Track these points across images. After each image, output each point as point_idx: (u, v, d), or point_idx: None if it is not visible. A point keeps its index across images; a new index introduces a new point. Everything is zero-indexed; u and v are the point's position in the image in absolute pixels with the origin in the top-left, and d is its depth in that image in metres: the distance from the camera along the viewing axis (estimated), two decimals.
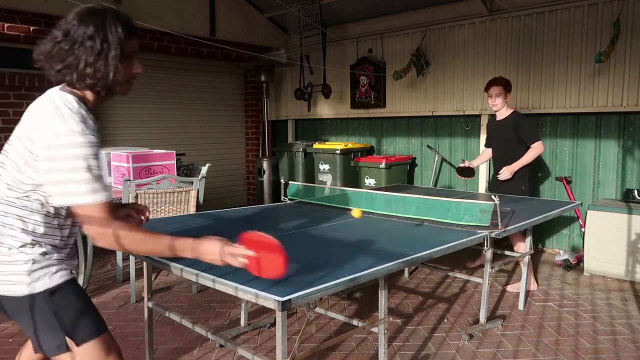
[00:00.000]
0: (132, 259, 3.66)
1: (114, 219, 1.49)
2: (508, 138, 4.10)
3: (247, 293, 1.62)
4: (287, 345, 1.70)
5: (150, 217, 2.03)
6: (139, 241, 1.53)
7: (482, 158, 4.60)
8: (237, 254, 1.58)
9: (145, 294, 2.57)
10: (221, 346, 2.96)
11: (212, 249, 1.56)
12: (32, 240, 1.50)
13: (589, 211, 4.36)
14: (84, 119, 1.44)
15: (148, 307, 2.59)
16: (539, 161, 5.18)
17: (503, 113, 4.16)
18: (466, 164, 4.57)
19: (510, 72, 5.15)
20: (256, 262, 1.61)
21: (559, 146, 5.04)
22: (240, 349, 2.11)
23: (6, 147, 1.53)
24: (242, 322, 3.23)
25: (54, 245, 1.55)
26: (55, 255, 1.54)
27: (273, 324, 3.27)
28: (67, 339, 1.50)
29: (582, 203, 4.32)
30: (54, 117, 1.41)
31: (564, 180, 4.86)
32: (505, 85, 4.10)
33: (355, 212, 2.71)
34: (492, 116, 4.39)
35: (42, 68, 1.51)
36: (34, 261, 1.48)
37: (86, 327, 1.53)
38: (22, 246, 1.48)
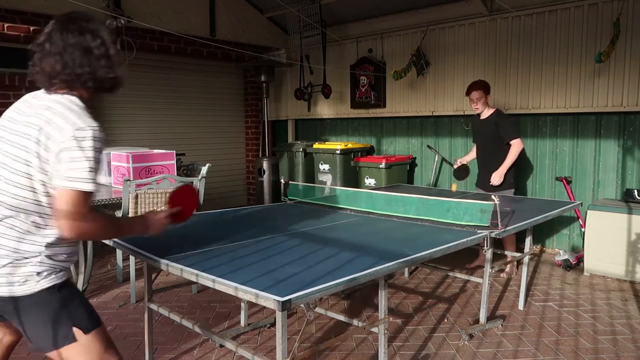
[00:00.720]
0: (132, 259, 3.66)
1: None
2: (490, 136, 4.34)
3: (247, 293, 1.62)
4: (287, 345, 1.70)
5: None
6: (109, 230, 1.72)
7: (472, 154, 4.73)
8: (171, 214, 1.93)
9: (145, 294, 2.57)
10: (221, 346, 2.96)
11: (157, 223, 1.87)
12: (44, 242, 1.55)
13: (589, 211, 4.36)
14: (92, 116, 1.55)
15: (148, 307, 2.59)
16: (539, 161, 5.19)
17: (486, 113, 4.39)
18: (458, 162, 4.75)
19: (510, 72, 5.16)
20: (182, 211, 2.04)
21: (559, 146, 5.04)
22: (240, 349, 2.11)
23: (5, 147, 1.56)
24: (242, 322, 3.23)
25: (62, 247, 1.61)
26: (62, 257, 1.61)
27: (273, 324, 3.27)
28: (75, 329, 1.57)
29: (582, 203, 4.32)
30: (71, 115, 1.51)
31: (564, 180, 4.86)
32: (484, 89, 4.34)
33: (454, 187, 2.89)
34: (477, 115, 4.50)
35: (39, 72, 1.58)
36: (42, 263, 1.54)
37: (90, 318, 1.63)
38: (31, 248, 1.54)
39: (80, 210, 1.50)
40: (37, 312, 1.55)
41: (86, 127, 1.50)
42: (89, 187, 1.50)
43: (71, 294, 1.63)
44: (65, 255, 1.62)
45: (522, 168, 5.26)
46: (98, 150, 1.52)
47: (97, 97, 1.67)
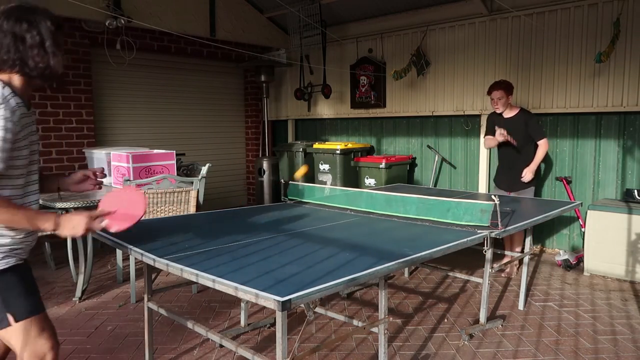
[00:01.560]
0: (132, 259, 3.66)
1: None
2: (519, 135, 4.24)
3: (247, 293, 1.62)
4: (287, 345, 1.70)
5: (150, 217, 2.06)
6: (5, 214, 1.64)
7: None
8: (96, 216, 1.77)
9: (145, 294, 2.57)
10: (221, 346, 2.96)
11: (72, 221, 1.72)
12: None
13: (589, 211, 4.36)
14: (4, 98, 1.60)
15: (148, 307, 2.59)
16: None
17: (509, 112, 4.35)
18: (508, 137, 4.22)
19: (510, 72, 5.15)
20: (119, 215, 1.85)
21: (559, 146, 5.04)
22: (240, 349, 2.11)
23: None
24: (242, 322, 3.23)
25: (11, 236, 1.70)
26: (9, 247, 1.70)
27: (273, 324, 3.27)
28: (9, 314, 1.68)
29: (582, 203, 4.32)
30: None
31: (564, 180, 4.86)
32: (506, 89, 4.28)
33: (300, 172, 2.74)
34: (498, 114, 4.45)
35: None
36: None
37: (26, 305, 1.72)
38: None
39: None
40: None
41: None
42: None
43: (13, 282, 1.70)
44: (9, 239, 1.69)
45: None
46: (8, 130, 1.56)
47: (29, 84, 1.72)
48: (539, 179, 4.45)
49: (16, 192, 1.71)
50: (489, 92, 4.36)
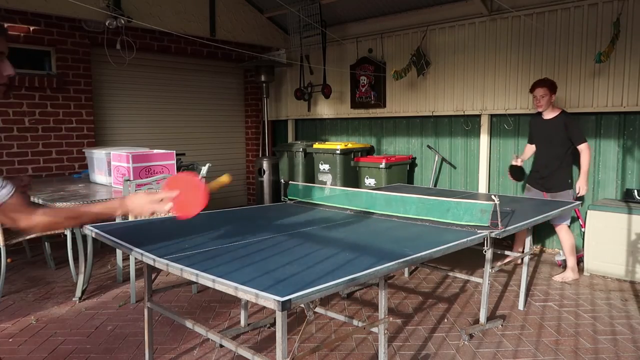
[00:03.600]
0: (132, 259, 3.66)
1: None
2: (558, 138, 4.25)
3: (247, 293, 1.62)
4: (287, 345, 1.70)
5: (150, 217, 2.08)
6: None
7: (527, 154, 4.64)
8: (160, 199, 1.77)
9: (145, 294, 2.57)
10: (221, 346, 2.96)
11: (138, 201, 1.75)
12: None
13: (589, 211, 4.36)
14: None
15: (148, 307, 2.59)
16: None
17: (550, 113, 4.32)
18: (518, 161, 4.50)
19: (510, 72, 5.16)
20: (181, 201, 1.84)
21: None
22: (240, 349, 2.11)
23: None
24: (242, 322, 3.23)
25: None
26: None
27: (273, 324, 3.27)
28: None
29: (582, 203, 4.32)
30: None
31: None
32: (550, 87, 4.25)
33: (224, 178, 2.65)
34: (536, 114, 4.46)
35: None
36: None
37: None
38: None
39: None
40: None
41: None
42: None
43: None
44: None
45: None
46: None
47: None
48: (571, 176, 4.34)
49: None
50: (532, 90, 4.30)
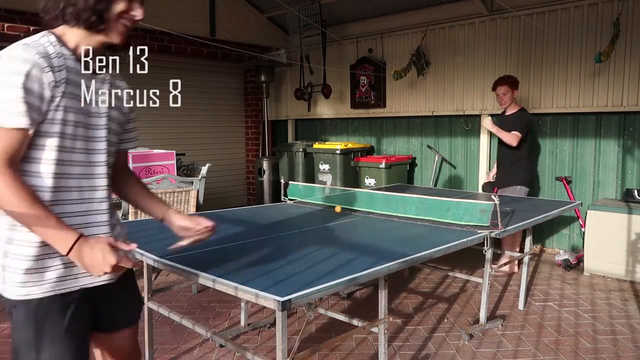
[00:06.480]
0: None
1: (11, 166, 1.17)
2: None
3: (247, 293, 1.62)
4: (287, 345, 1.70)
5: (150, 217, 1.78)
6: (18, 202, 1.16)
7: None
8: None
9: (145, 294, 2.57)
10: (221, 346, 2.95)
11: (93, 251, 1.20)
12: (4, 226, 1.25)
13: (589, 211, 4.36)
14: (43, 50, 1.22)
15: (148, 307, 2.59)
16: (539, 161, 5.18)
17: (511, 109, 4.38)
18: (490, 177, 4.76)
19: (510, 72, 5.14)
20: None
21: (559, 146, 5.04)
22: (240, 349, 2.11)
23: None
24: (242, 322, 3.23)
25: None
26: (31, 252, 1.25)
27: (273, 324, 3.27)
28: None
29: (582, 203, 4.32)
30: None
31: (564, 180, 4.86)
32: (511, 84, 4.30)
33: (337, 208, 2.94)
34: (502, 113, 4.52)
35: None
36: (6, 255, 1.25)
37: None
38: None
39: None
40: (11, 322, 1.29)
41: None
42: (4, 120, 1.15)
43: (53, 321, 1.27)
44: (42, 253, 1.24)
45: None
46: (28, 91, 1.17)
47: (91, 39, 1.34)
48: (531, 180, 4.43)
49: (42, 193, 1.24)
50: (494, 88, 4.37)
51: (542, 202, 4.14)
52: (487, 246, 2.64)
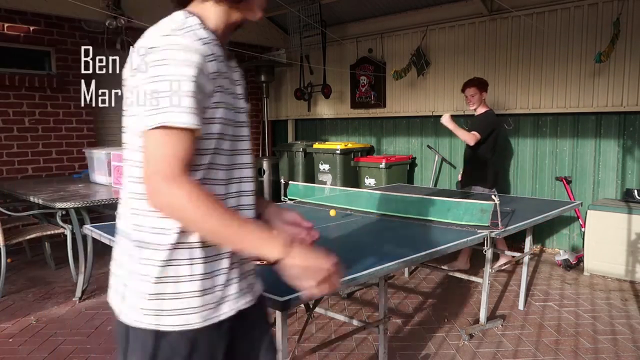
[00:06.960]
0: None
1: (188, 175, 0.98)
2: None
3: None
4: (287, 345, 1.69)
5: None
6: (208, 216, 0.97)
7: None
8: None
9: None
10: None
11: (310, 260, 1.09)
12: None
13: (589, 211, 4.36)
14: (200, 35, 1.03)
15: None
16: (538, 161, 5.18)
17: (479, 110, 4.37)
18: (460, 176, 4.81)
19: (510, 72, 5.15)
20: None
21: (559, 146, 5.04)
22: None
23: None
24: None
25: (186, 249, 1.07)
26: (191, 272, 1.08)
27: (273, 324, 3.26)
28: None
29: (582, 203, 4.32)
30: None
31: (563, 180, 4.86)
32: (478, 86, 4.29)
33: (332, 212, 2.94)
34: (472, 115, 4.54)
35: None
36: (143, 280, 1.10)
37: None
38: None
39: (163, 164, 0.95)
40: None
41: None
42: (179, 119, 0.95)
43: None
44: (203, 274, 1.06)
45: (522, 168, 5.27)
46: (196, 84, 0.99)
47: (229, 18, 1.13)
48: (495, 181, 4.34)
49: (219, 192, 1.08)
50: (463, 90, 4.38)
51: (542, 202, 4.14)
52: (487, 246, 2.64)
